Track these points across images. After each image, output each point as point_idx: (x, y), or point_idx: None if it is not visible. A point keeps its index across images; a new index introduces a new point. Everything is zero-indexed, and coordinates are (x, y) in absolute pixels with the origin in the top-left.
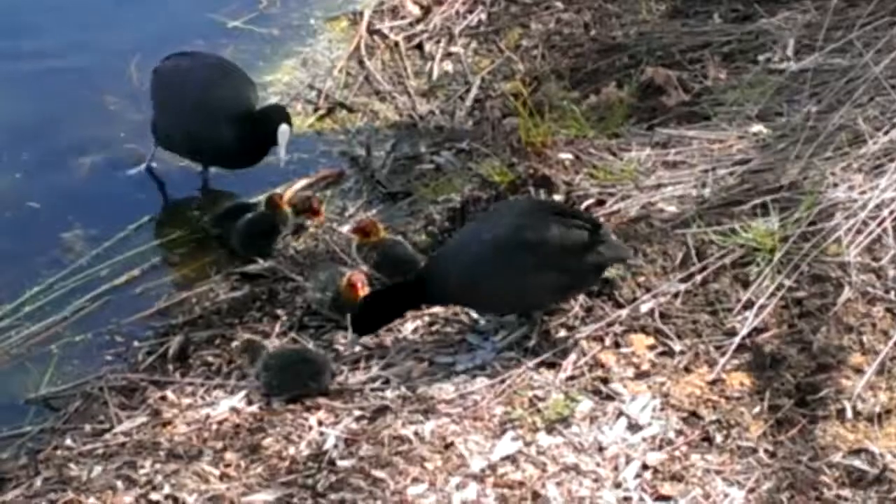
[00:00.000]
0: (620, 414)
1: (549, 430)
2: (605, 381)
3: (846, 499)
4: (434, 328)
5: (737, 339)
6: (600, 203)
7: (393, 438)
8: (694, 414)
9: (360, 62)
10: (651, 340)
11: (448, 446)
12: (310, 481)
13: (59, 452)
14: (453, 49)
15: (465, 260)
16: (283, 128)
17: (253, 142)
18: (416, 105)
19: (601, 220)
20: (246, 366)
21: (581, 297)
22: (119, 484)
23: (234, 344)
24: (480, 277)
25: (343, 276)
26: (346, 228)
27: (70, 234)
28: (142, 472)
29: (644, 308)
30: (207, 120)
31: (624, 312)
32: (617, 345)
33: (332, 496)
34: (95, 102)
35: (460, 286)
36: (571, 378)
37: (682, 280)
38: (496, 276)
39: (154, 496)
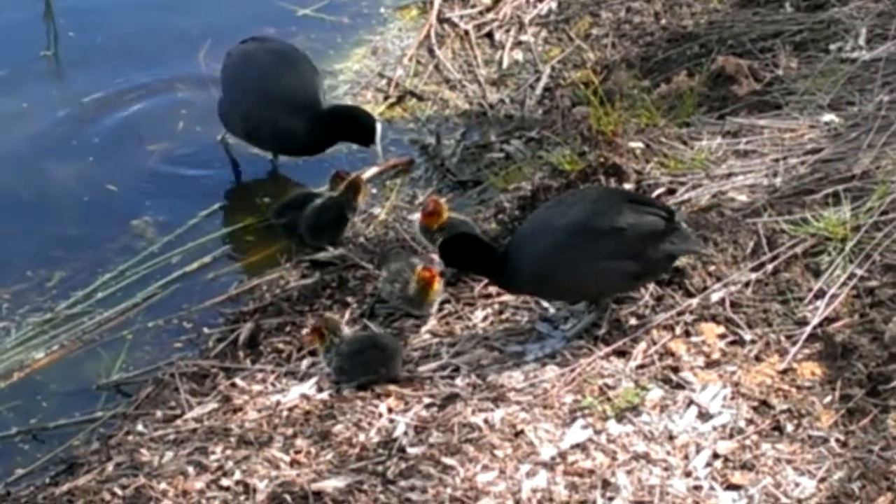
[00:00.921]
0: (691, 403)
1: (620, 418)
2: (676, 369)
3: None
4: (504, 316)
5: (808, 329)
6: (671, 192)
7: (463, 426)
8: (764, 403)
9: (430, 51)
10: (721, 329)
11: (518, 434)
12: (380, 468)
13: (130, 438)
14: (523, 38)
15: (539, 247)
16: (380, 126)
17: (319, 133)
18: (486, 94)
19: (675, 208)
20: (320, 344)
21: (651, 286)
22: (190, 469)
23: (304, 330)
24: (554, 264)
25: (413, 268)
26: (414, 216)
27: (141, 220)
28: (213, 457)
29: (714, 297)
30: (263, 106)
31: (694, 301)
32: (687, 333)
33: (402, 483)
34: (166, 89)
35: (534, 274)
36: (641, 366)
37: (753, 269)
38: (570, 262)
39: (225, 482)
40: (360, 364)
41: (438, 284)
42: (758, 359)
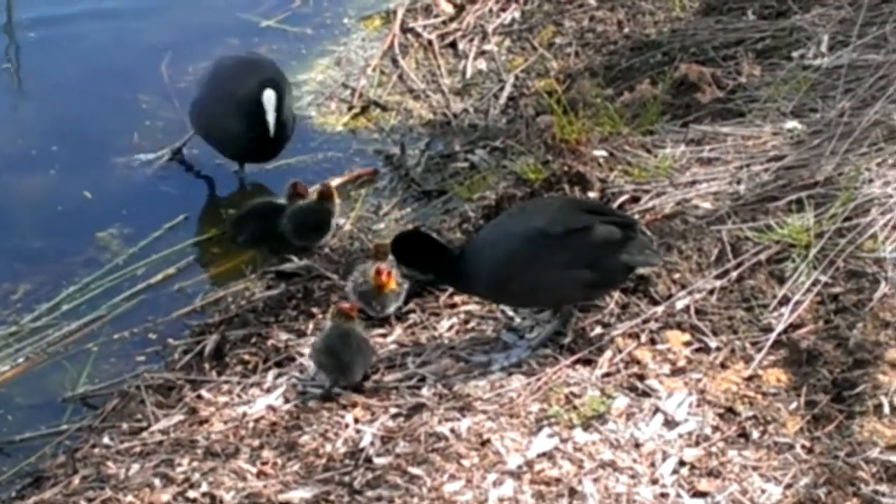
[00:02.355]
0: (657, 410)
1: (586, 426)
2: (641, 377)
3: (884, 494)
4: (469, 326)
5: (773, 336)
6: (635, 200)
7: (429, 436)
8: (730, 410)
9: (394, 61)
10: (687, 337)
11: (484, 443)
12: (346, 478)
13: (96, 451)
14: (487, 47)
15: (497, 254)
16: (268, 93)
17: (254, 130)
18: (450, 103)
19: (636, 219)
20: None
21: (616, 294)
22: (156, 482)
23: (270, 342)
24: (510, 271)
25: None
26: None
27: (106, 232)
28: (179, 469)
29: (680, 305)
30: (214, 107)
31: (660, 309)
32: (653, 341)
33: (369, 493)
34: (128, 101)
35: (490, 279)
36: (607, 375)
37: (718, 276)
38: (527, 270)
39: (191, 494)
40: (324, 365)
41: (393, 284)
42: (723, 366)
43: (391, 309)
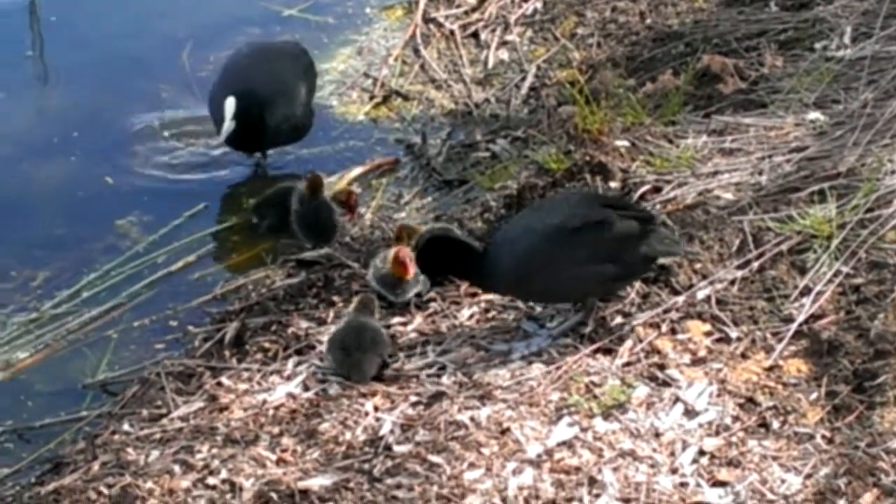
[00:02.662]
0: (677, 400)
1: (606, 415)
2: (662, 367)
3: None
4: (490, 315)
5: (794, 326)
6: (657, 190)
7: (449, 424)
8: (751, 400)
9: (416, 50)
10: (707, 327)
11: (504, 432)
12: (366, 466)
13: (116, 437)
14: (509, 37)
15: (517, 251)
16: (229, 100)
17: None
18: (472, 93)
19: (655, 212)
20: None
21: (637, 284)
22: (176, 468)
23: (290, 330)
24: (531, 268)
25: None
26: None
27: (125, 220)
28: (199, 456)
29: (701, 295)
30: (218, 93)
31: (680, 299)
32: (673, 331)
33: (389, 481)
34: (149, 90)
35: (511, 278)
36: (628, 364)
37: (739, 267)
38: (547, 267)
39: (211, 480)
40: (337, 360)
41: (411, 274)
42: (744, 356)
43: (412, 294)
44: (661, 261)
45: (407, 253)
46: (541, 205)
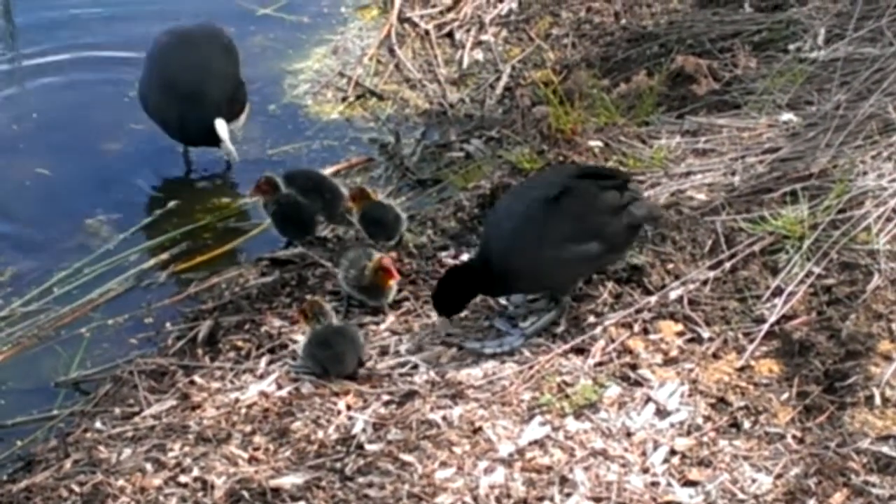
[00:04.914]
0: (648, 400)
1: (578, 415)
2: (634, 367)
3: (874, 485)
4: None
5: (765, 326)
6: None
7: (421, 423)
8: (722, 400)
9: (391, 50)
10: (680, 327)
11: (476, 431)
12: (338, 465)
13: (88, 435)
14: (483, 37)
15: (502, 243)
16: (219, 122)
17: (189, 121)
18: (446, 93)
19: (627, 173)
20: (306, 324)
21: (610, 284)
22: (148, 466)
23: (264, 329)
24: (518, 257)
25: (370, 257)
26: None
27: (95, 219)
28: (171, 454)
29: (673, 295)
30: (151, 90)
31: (653, 299)
32: (645, 331)
33: (360, 479)
34: (122, 90)
35: (503, 269)
36: (600, 364)
37: (711, 267)
38: (531, 245)
39: (183, 479)
40: (311, 357)
41: (395, 280)
42: (715, 356)
43: (392, 295)
44: (637, 259)
45: (389, 260)
46: (520, 187)
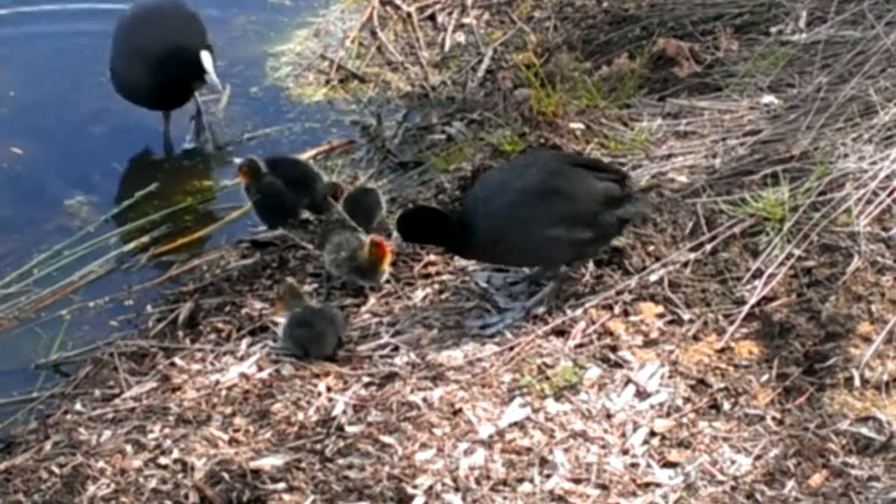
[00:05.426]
0: (628, 381)
1: (558, 396)
2: (614, 348)
3: (853, 466)
4: (443, 296)
5: (745, 308)
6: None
7: (401, 404)
8: (702, 382)
9: (373, 33)
10: (660, 309)
11: (456, 412)
12: (318, 446)
13: (68, 417)
14: (466, 20)
15: (491, 213)
16: (203, 53)
17: (159, 80)
18: (428, 76)
19: (627, 172)
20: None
21: (590, 266)
22: (128, 448)
23: (244, 311)
24: (508, 227)
25: (358, 239)
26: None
27: (75, 201)
28: (151, 436)
29: (653, 277)
30: (120, 61)
31: (633, 281)
32: (626, 313)
33: (341, 461)
34: (102, 72)
35: (486, 239)
36: (580, 346)
37: (692, 249)
38: (524, 225)
39: (163, 460)
40: (291, 338)
41: (390, 258)
42: (696, 338)
43: (386, 275)
44: (618, 241)
45: (382, 239)
46: (513, 164)
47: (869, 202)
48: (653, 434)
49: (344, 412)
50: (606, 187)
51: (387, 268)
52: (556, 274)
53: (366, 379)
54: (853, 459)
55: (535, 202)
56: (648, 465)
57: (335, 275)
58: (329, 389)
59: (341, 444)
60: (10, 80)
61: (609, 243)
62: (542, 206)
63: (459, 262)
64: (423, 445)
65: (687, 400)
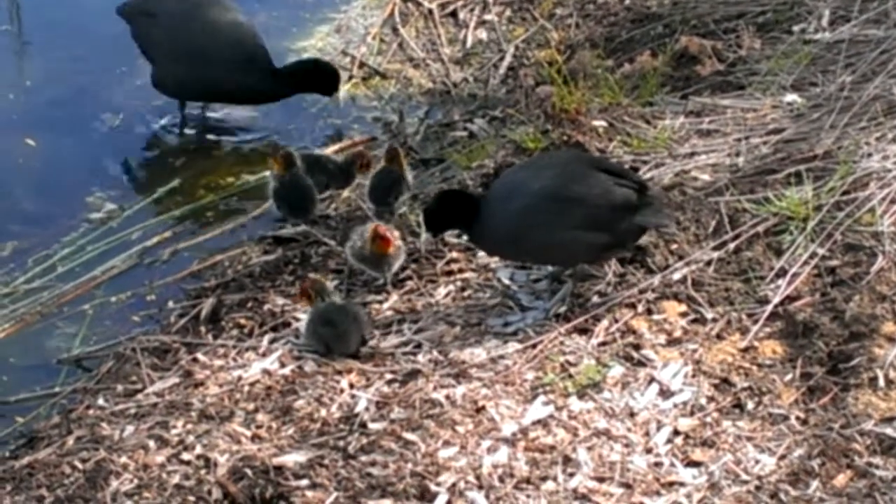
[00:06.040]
0: (652, 380)
1: (581, 395)
2: (637, 347)
3: (877, 466)
4: (466, 293)
5: (769, 307)
6: (633, 170)
7: (424, 402)
8: (725, 381)
9: (394, 29)
10: (683, 308)
11: (479, 410)
12: (341, 443)
13: (91, 412)
14: (487, 17)
15: (510, 210)
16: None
17: (277, 88)
18: (450, 72)
19: (647, 181)
20: (308, 305)
21: (614, 264)
22: (151, 443)
23: (266, 307)
24: (525, 227)
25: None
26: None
27: (98, 196)
28: (173, 432)
29: (677, 275)
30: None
31: (656, 280)
32: (649, 311)
33: (363, 458)
34: (125, 65)
35: (504, 235)
36: (603, 344)
37: (715, 248)
38: (541, 227)
39: (185, 456)
40: (314, 335)
41: (394, 247)
42: (719, 337)
43: (397, 267)
44: (642, 240)
45: (385, 228)
46: (532, 164)
47: (893, 201)
48: (676, 433)
49: (367, 409)
50: (626, 194)
51: (395, 261)
52: (575, 272)
53: (388, 376)
54: (878, 460)
55: (553, 206)
56: (672, 465)
57: (356, 267)
58: (352, 386)
59: (364, 441)
60: (35, 72)
61: (628, 250)
62: (558, 209)
63: (482, 259)
64: (446, 443)
65: (710, 399)
